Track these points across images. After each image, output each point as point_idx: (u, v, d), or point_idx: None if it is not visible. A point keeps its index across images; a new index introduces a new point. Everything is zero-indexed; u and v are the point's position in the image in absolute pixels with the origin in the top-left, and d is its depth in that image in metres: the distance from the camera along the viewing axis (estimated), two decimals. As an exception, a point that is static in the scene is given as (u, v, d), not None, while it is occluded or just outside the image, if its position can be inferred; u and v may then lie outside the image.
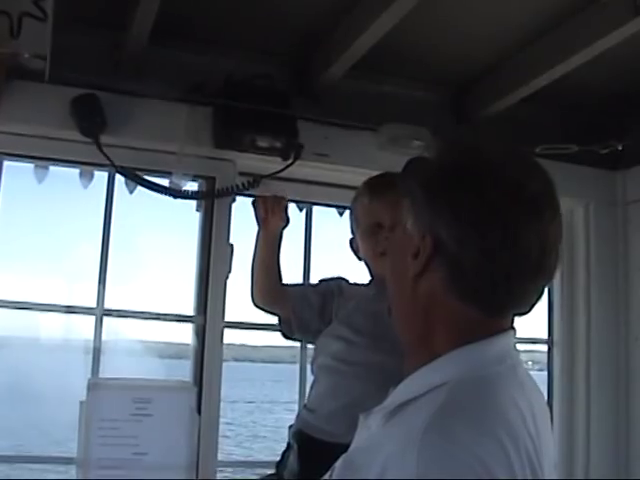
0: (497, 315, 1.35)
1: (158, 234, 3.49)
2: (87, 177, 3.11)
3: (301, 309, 2.45)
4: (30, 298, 3.01)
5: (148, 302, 3.17)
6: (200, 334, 3.07)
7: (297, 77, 3.26)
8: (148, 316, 3.12)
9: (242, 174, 3.14)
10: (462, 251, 1.29)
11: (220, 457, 3.15)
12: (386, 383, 1.65)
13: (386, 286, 1.90)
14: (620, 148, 3.46)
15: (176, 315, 3.17)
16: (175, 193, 3.03)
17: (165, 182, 3.05)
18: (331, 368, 2.35)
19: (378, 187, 2.40)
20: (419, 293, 1.36)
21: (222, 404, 3.11)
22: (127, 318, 3.10)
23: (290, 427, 2.41)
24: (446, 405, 1.22)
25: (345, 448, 1.48)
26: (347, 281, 2.55)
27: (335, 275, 2.68)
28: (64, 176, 3.13)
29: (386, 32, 2.76)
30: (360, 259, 2.48)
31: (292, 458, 2.29)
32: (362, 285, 2.49)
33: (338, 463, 1.30)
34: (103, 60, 2.99)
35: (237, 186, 3.06)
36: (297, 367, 3.27)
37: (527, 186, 1.30)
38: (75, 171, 3.10)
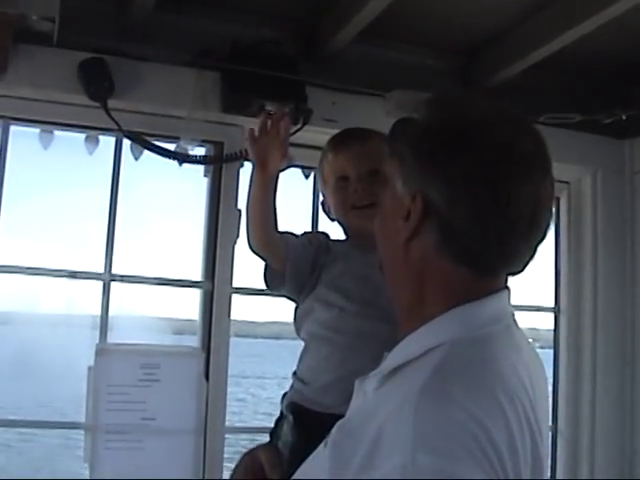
0: (490, 275, 1.35)
1: (165, 200, 3.48)
2: (93, 142, 3.10)
3: (297, 260, 2.25)
4: (35, 263, 3.00)
5: (156, 268, 3.18)
6: (208, 300, 3.07)
7: (305, 42, 3.23)
8: (156, 282, 3.12)
9: (250, 139, 3.11)
10: (453, 212, 1.28)
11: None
12: (380, 352, 1.63)
13: (367, 244, 1.89)
14: (624, 117, 3.46)
15: (184, 281, 3.16)
16: (183, 158, 3.02)
17: (172, 147, 3.04)
18: (323, 337, 2.24)
19: (340, 141, 2.36)
20: (411, 256, 1.35)
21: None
22: (134, 284, 3.09)
23: (284, 396, 2.32)
24: (442, 366, 1.22)
25: (340, 418, 1.47)
26: (329, 237, 2.39)
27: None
28: (70, 142, 3.12)
29: (393, -1, 2.74)
30: (333, 220, 2.39)
31: (286, 429, 2.23)
32: (341, 242, 2.36)
33: (334, 429, 1.29)
34: (110, 24, 2.97)
35: (245, 151, 3.03)
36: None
37: (517, 145, 1.30)
38: (81, 137, 3.08)
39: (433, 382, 1.19)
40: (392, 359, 1.34)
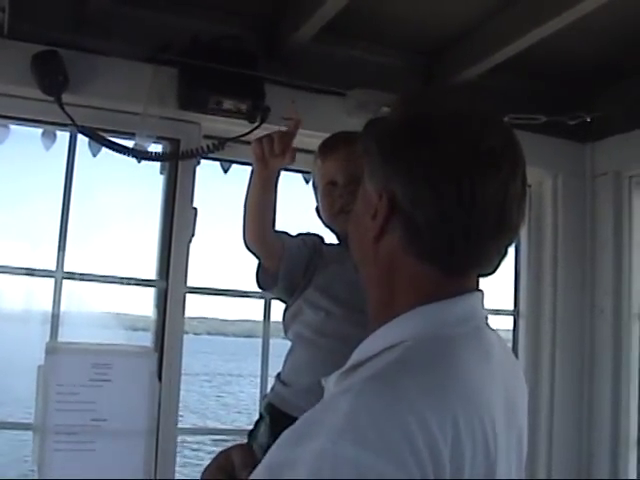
0: (457, 275, 1.31)
1: (121, 196, 3.44)
2: (50, 138, 3.05)
3: (292, 261, 2.23)
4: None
5: (110, 266, 3.13)
6: (162, 299, 3.02)
7: (265, 39, 3.20)
8: (109, 280, 3.07)
9: (207, 137, 3.09)
10: (417, 210, 1.25)
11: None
12: None
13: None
14: (589, 120, 3.45)
15: (138, 279, 3.12)
16: (138, 154, 2.97)
17: (128, 143, 2.99)
18: (307, 339, 2.22)
19: (328, 146, 2.35)
20: (380, 255, 1.33)
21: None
22: (88, 282, 3.04)
23: (264, 397, 2.32)
24: (398, 361, 1.20)
25: None
26: (323, 239, 2.38)
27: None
28: (26, 137, 3.06)
29: (356, -5, 2.71)
30: (326, 225, 2.38)
31: (262, 430, 2.20)
32: (334, 246, 2.35)
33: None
34: (67, 17, 2.91)
35: (202, 148, 3.01)
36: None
37: (483, 140, 1.26)
38: (37, 132, 3.03)
39: (382, 374, 1.17)
40: (354, 356, 1.33)
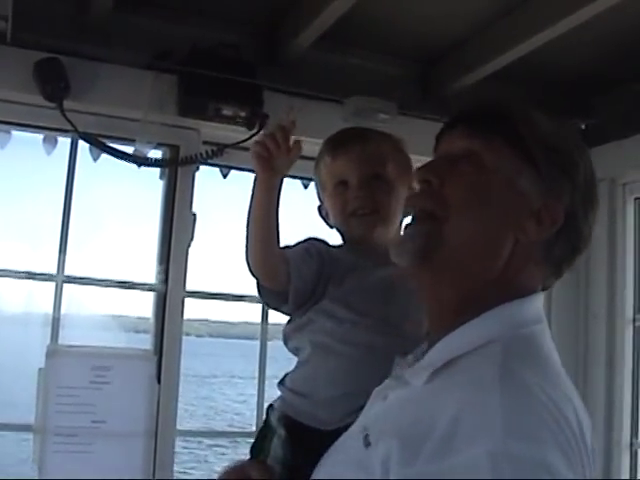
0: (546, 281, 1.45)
1: (121, 201, 3.47)
2: (51, 143, 3.08)
3: (300, 279, 1.99)
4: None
5: (110, 270, 3.16)
6: (161, 303, 3.06)
7: (264, 47, 3.23)
8: (109, 284, 3.10)
9: (206, 143, 3.13)
10: (585, 224, 1.41)
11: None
12: (390, 366, 1.59)
13: (374, 255, 1.96)
14: (583, 127, 3.49)
15: (138, 283, 3.15)
16: (138, 160, 3.02)
17: (129, 149, 3.03)
18: (330, 348, 2.00)
19: (339, 143, 2.15)
20: (515, 254, 1.37)
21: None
22: (88, 285, 3.08)
23: (269, 408, 2.09)
24: (508, 358, 1.25)
25: (340, 433, 1.47)
26: (328, 244, 2.13)
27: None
28: (28, 142, 3.10)
29: (354, 3, 2.74)
30: (332, 226, 2.20)
31: (276, 444, 2.01)
32: (342, 249, 2.13)
33: (365, 428, 1.33)
34: (68, 24, 2.95)
35: (201, 155, 3.05)
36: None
37: (594, 173, 1.45)
38: (39, 137, 3.07)
39: (508, 371, 1.22)
40: (441, 352, 1.34)
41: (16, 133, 3.05)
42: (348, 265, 2.05)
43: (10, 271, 2.99)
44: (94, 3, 2.81)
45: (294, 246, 2.06)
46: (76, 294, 3.04)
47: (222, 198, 3.25)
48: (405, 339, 1.81)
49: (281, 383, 2.09)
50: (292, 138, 1.82)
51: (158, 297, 3.08)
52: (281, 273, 1.95)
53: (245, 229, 1.91)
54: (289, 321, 2.12)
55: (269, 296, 2.03)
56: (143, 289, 3.15)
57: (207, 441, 15.98)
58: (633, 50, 3.20)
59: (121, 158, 2.99)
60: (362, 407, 1.60)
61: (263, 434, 2.07)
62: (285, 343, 2.14)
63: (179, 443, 3.13)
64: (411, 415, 1.25)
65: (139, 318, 3.39)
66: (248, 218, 1.90)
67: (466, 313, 1.33)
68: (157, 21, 3.09)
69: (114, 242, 3.47)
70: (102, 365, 2.90)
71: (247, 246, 1.92)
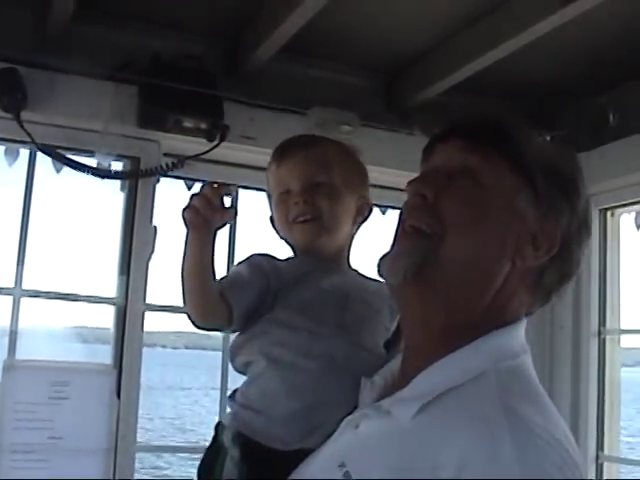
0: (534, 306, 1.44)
1: (82, 213, 3.43)
2: (12, 155, 3.05)
3: (239, 299, 1.85)
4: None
5: (70, 283, 3.13)
6: (121, 316, 3.02)
7: (225, 58, 3.22)
8: (69, 297, 3.06)
9: (167, 155, 3.10)
10: (578, 251, 1.41)
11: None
12: (352, 379, 1.61)
13: (326, 262, 1.92)
14: (549, 138, 3.48)
15: (98, 297, 3.11)
16: (98, 173, 2.98)
17: (90, 160, 3.00)
18: (286, 361, 1.86)
19: (282, 151, 2.06)
20: (510, 279, 1.35)
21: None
22: (47, 299, 3.04)
23: (218, 426, 1.92)
24: (506, 395, 1.23)
25: (301, 455, 1.47)
26: (274, 257, 2.01)
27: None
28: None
29: (315, 14, 2.72)
30: (281, 237, 2.10)
31: (230, 466, 1.84)
32: (294, 260, 2.03)
33: (334, 463, 1.29)
34: (26, 35, 2.92)
35: (161, 167, 3.02)
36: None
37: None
38: (1, 148, 3.04)
39: (512, 410, 1.19)
40: (430, 383, 1.28)
41: (-26, 145, 3.02)
42: (298, 275, 1.95)
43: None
44: (53, 13, 2.77)
45: (239, 265, 1.95)
46: (34, 307, 3.00)
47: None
48: (364, 350, 1.82)
49: (231, 398, 1.94)
50: (227, 200, 1.71)
51: (118, 310, 3.04)
52: (222, 312, 1.82)
53: (180, 280, 1.77)
54: (239, 334, 1.97)
55: (206, 328, 1.90)
56: (103, 302, 3.11)
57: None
58: (598, 62, 3.21)
59: (81, 170, 2.96)
60: (323, 424, 1.58)
61: (213, 454, 1.91)
62: (232, 359, 1.99)
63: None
64: (402, 452, 1.21)
65: (99, 329, 3.35)
66: (182, 269, 1.76)
67: (454, 339, 1.30)
68: (118, 31, 3.06)
69: (75, 254, 3.44)
70: (61, 380, 2.86)
71: (184, 296, 1.78)
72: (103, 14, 3.01)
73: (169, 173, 3.07)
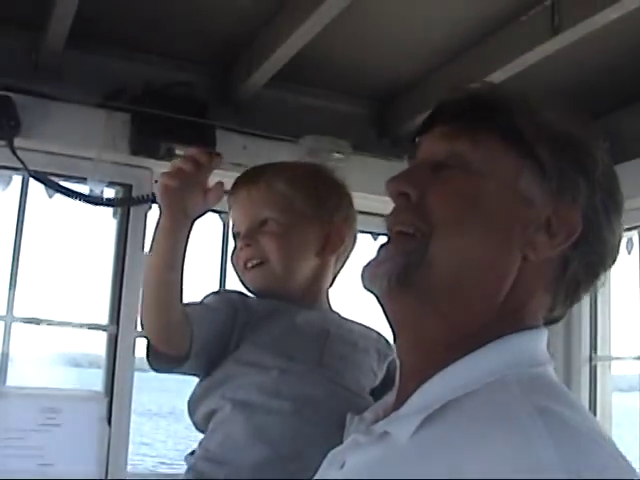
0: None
1: (75, 239, 3.44)
2: (4, 181, 3.06)
3: (202, 322, 1.65)
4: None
5: (61, 310, 3.13)
6: (112, 343, 3.02)
7: (217, 86, 3.23)
8: (61, 324, 3.06)
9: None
10: (608, 231, 1.17)
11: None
12: (331, 420, 1.45)
13: (293, 300, 1.77)
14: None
15: (89, 324, 3.11)
16: (90, 199, 2.99)
17: (81, 187, 3.01)
18: (254, 404, 1.64)
19: (232, 190, 1.89)
20: (524, 276, 1.13)
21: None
22: (38, 325, 3.04)
23: None
24: (533, 395, 1.01)
25: None
26: (243, 294, 1.85)
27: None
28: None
29: (307, 42, 2.74)
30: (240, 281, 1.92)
31: None
32: (263, 299, 1.83)
33: None
34: (20, 62, 2.93)
35: (153, 194, 3.02)
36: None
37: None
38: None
39: (546, 409, 0.98)
40: (434, 393, 1.06)
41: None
42: (268, 310, 1.76)
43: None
44: (46, 41, 2.79)
45: (201, 300, 1.78)
46: (25, 333, 3.00)
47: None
48: (348, 390, 1.67)
49: (191, 455, 1.72)
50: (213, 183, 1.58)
51: (110, 337, 3.04)
52: (182, 334, 1.60)
53: (144, 287, 1.58)
54: (200, 380, 1.76)
55: (163, 358, 1.64)
56: (95, 329, 3.10)
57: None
58: (582, 94, 3.22)
59: (73, 197, 2.96)
60: (297, 475, 1.43)
61: None
62: (192, 413, 1.76)
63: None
64: (407, 474, 1.00)
65: (90, 355, 3.35)
66: (146, 274, 1.58)
67: (456, 352, 1.09)
68: (110, 59, 3.08)
69: (68, 281, 3.44)
70: (51, 407, 2.86)
71: (143, 302, 1.59)
72: (95, 42, 3.01)
73: (161, 201, 3.08)
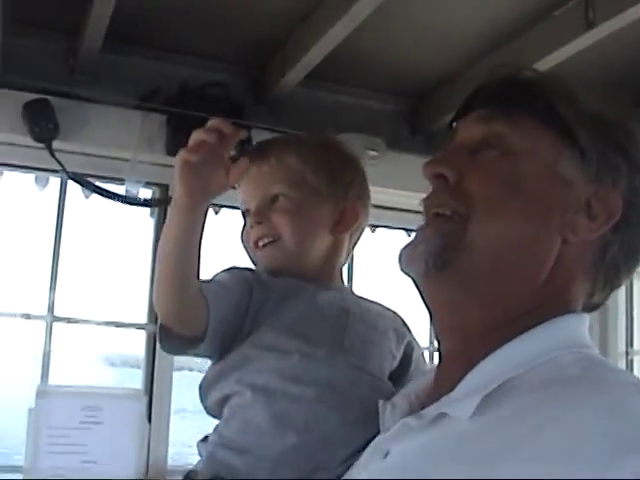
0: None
1: (112, 240, 3.47)
2: (42, 183, 3.11)
3: (218, 300, 1.55)
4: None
5: (101, 309, 3.16)
6: (151, 342, 3.06)
7: (252, 85, 3.26)
8: (100, 323, 3.10)
9: (195, 182, 3.12)
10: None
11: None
12: (355, 407, 1.44)
13: (311, 280, 1.66)
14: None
15: (129, 323, 3.16)
16: (127, 200, 3.02)
17: (118, 188, 3.05)
18: (274, 390, 1.54)
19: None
20: (565, 259, 1.12)
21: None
22: (78, 324, 3.07)
23: (188, 477, 1.57)
24: (592, 367, 1.05)
25: None
26: (255, 272, 1.73)
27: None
28: (20, 181, 3.12)
29: (341, 41, 2.75)
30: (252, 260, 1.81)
31: None
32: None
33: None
34: (57, 65, 2.98)
35: (191, 193, 3.05)
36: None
37: None
38: (31, 176, 3.09)
39: (602, 376, 1.02)
40: (487, 377, 1.06)
41: (8, 172, 3.07)
42: (286, 289, 1.66)
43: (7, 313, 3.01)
44: (83, 44, 2.82)
45: (214, 277, 1.65)
46: (66, 333, 3.04)
47: (213, 235, 3.21)
48: (372, 375, 1.59)
49: (204, 441, 1.62)
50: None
51: (148, 336, 3.08)
52: (198, 313, 1.51)
53: (157, 264, 1.49)
54: (213, 364, 1.65)
55: (177, 340, 1.52)
56: (134, 328, 3.14)
57: None
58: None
59: (110, 198, 3.00)
60: (324, 465, 1.40)
61: None
62: (204, 397, 1.66)
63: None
64: (476, 454, 0.98)
65: (130, 354, 3.38)
66: (160, 251, 1.49)
67: (500, 335, 1.09)
68: (145, 61, 3.12)
69: (106, 280, 3.47)
70: (92, 405, 2.89)
71: (157, 285, 1.49)
72: (131, 44, 3.05)
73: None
